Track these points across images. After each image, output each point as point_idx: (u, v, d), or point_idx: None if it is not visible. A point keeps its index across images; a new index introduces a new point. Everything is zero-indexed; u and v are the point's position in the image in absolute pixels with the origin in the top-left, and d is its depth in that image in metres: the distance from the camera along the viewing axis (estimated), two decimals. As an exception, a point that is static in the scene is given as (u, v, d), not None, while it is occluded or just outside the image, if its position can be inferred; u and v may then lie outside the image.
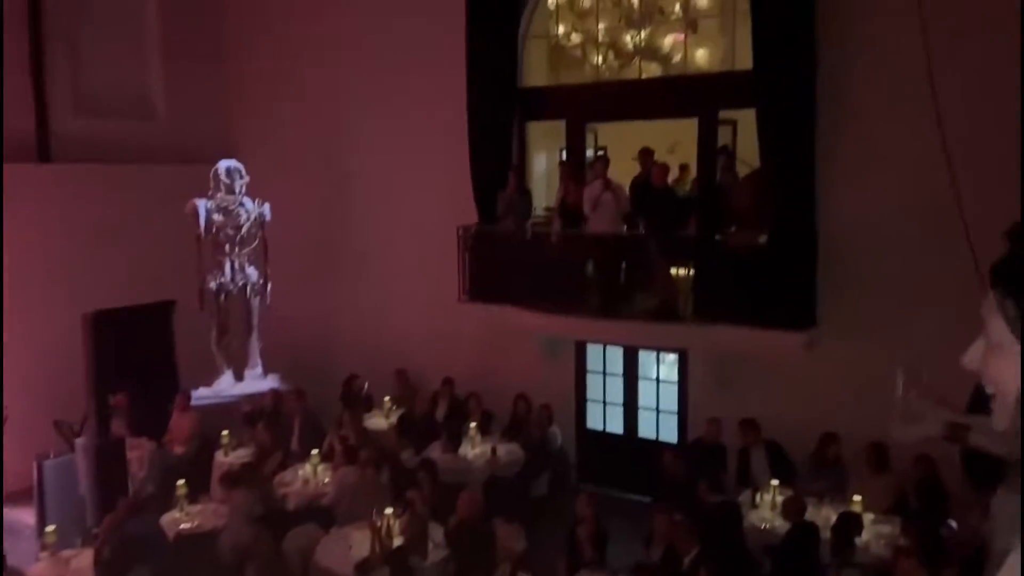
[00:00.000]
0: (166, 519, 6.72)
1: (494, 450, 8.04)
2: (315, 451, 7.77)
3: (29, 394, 8.66)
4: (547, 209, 9.48)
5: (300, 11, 10.69)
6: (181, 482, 7.11)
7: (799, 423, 7.25)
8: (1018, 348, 1.06)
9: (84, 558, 6.15)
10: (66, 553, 6.24)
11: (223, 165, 9.68)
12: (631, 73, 9.30)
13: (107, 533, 5.87)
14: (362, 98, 10.38)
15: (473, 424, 8.35)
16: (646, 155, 8.33)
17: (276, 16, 10.90)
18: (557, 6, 9.55)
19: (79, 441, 7.60)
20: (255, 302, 9.90)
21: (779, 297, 7.22)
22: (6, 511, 8.02)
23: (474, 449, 8.12)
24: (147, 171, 10.15)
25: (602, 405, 9.24)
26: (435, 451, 7.95)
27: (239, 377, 9.77)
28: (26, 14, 9.27)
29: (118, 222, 9.79)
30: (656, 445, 8.63)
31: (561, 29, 9.72)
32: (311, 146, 10.85)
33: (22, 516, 8.02)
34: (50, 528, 6.39)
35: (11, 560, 6.06)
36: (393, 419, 8.93)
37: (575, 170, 8.97)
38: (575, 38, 9.77)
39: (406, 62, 9.86)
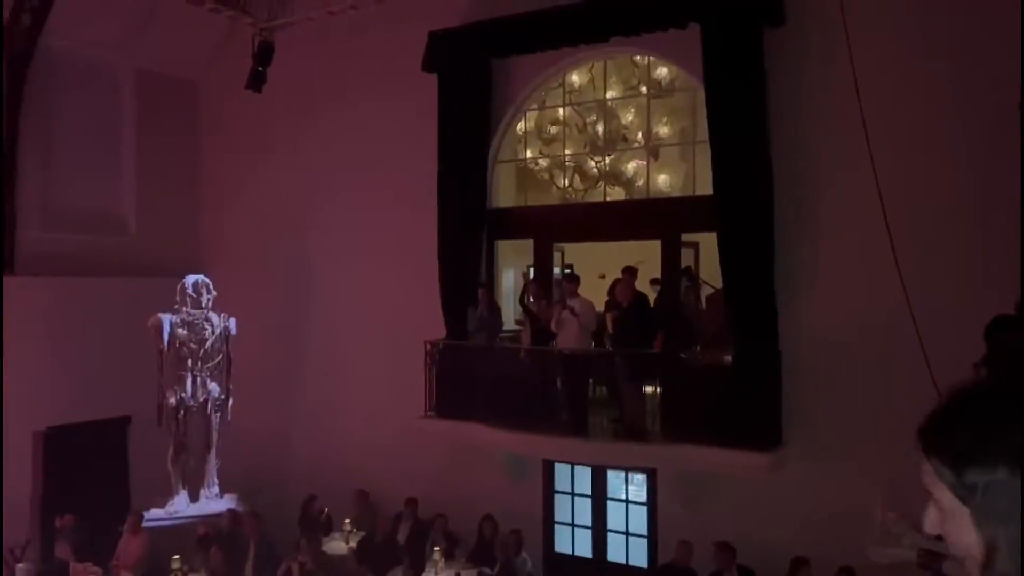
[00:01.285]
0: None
1: (460, 575, 7.73)
2: (270, 577, 7.41)
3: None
4: (518, 322, 9.53)
5: (271, 135, 11.00)
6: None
7: (768, 545, 7.12)
8: (967, 511, 1.03)
9: None
10: None
11: (190, 279, 9.66)
12: (596, 196, 9.63)
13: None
14: (329, 216, 10.57)
15: (436, 548, 8.05)
16: (628, 272, 8.38)
17: (247, 139, 11.21)
18: (525, 132, 9.97)
19: (20, 567, 7.16)
20: (215, 418, 9.66)
21: (745, 417, 7.24)
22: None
23: (438, 575, 7.80)
24: (111, 284, 10.11)
25: (570, 528, 9.01)
26: (396, 576, 7.63)
27: (195, 497, 9.39)
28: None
29: (79, 335, 9.64)
30: (626, 569, 8.38)
31: (529, 153, 10.11)
32: (277, 262, 10.93)
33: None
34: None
35: None
36: (353, 543, 8.59)
37: (542, 288, 9.11)
38: (542, 162, 10.16)
39: (375, 181, 10.13)
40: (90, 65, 10.31)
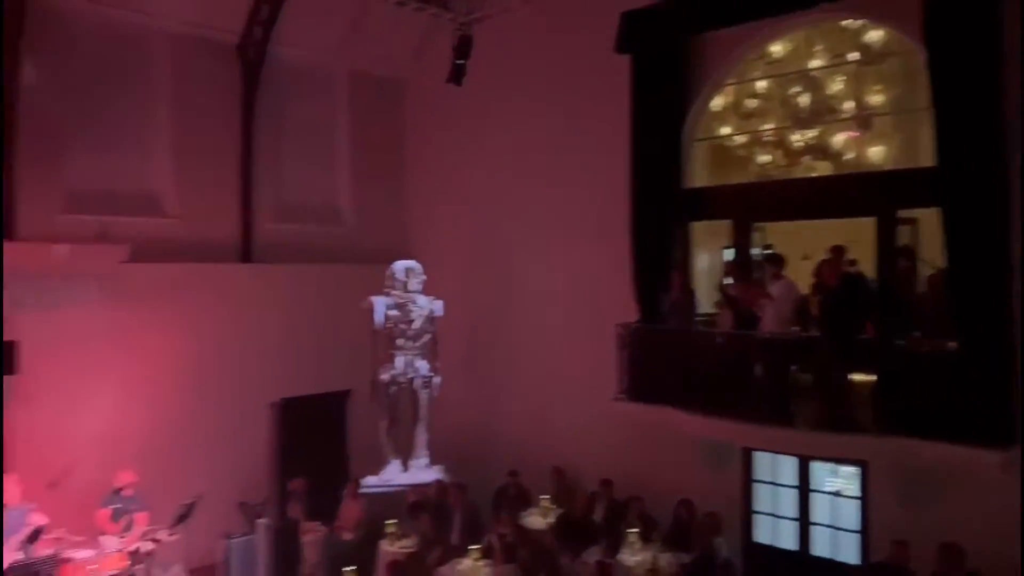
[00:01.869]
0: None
1: (655, 558, 7.73)
2: (474, 546, 7.81)
3: (218, 475, 9.39)
4: (717, 305, 9.30)
5: (470, 126, 11.46)
6: (350, 568, 7.35)
7: (998, 552, 6.48)
8: None
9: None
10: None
11: (400, 265, 10.33)
12: (800, 172, 9.13)
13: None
14: (525, 202, 10.86)
15: (633, 530, 8.09)
16: (835, 252, 7.97)
17: (449, 131, 11.77)
18: (722, 109, 9.64)
19: (260, 522, 8.08)
20: (423, 395, 10.29)
21: (973, 409, 6.61)
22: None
23: (635, 556, 7.85)
24: (332, 270, 11.05)
25: (771, 518, 8.70)
26: (593, 555, 7.76)
27: (405, 467, 10.09)
28: (239, 136, 10.53)
29: (305, 316, 10.65)
30: (833, 565, 7.97)
31: (726, 130, 9.77)
32: (479, 247, 11.39)
33: (209, 590, 8.59)
34: (232, 604, 6.79)
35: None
36: (550, 518, 8.85)
37: (741, 270, 8.81)
38: (740, 139, 9.79)
39: (569, 164, 10.28)
40: (311, 71, 11.29)
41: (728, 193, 9.41)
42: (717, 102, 9.60)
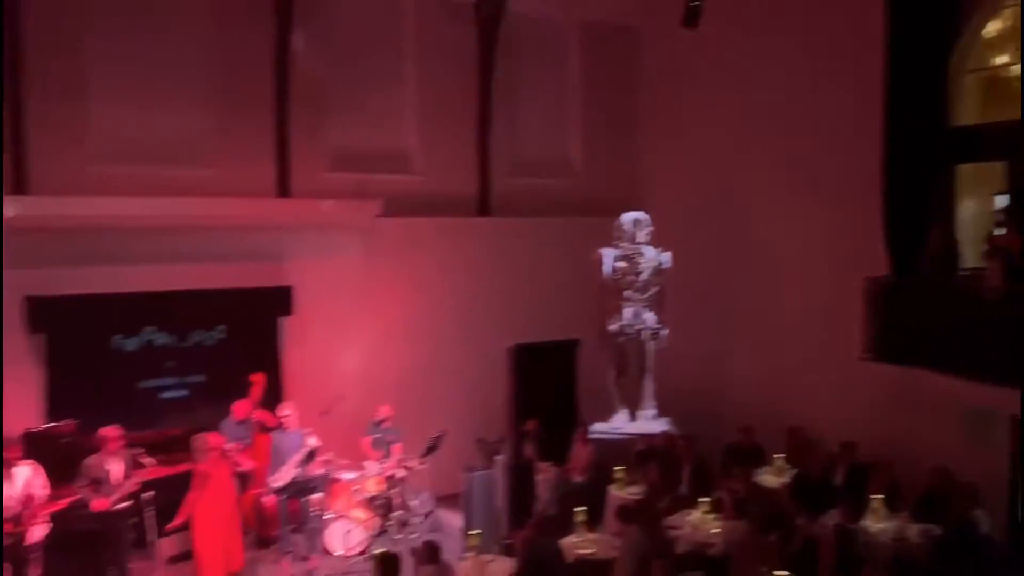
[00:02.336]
0: (565, 542, 7.25)
1: (903, 528, 7.23)
2: (703, 499, 7.78)
3: (460, 414, 10.11)
4: (984, 256, 8.34)
5: (703, 75, 11.08)
6: (581, 509, 7.64)
7: None
8: None
9: (499, 564, 6.95)
10: (486, 557, 7.10)
11: (628, 217, 10.31)
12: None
13: (521, 548, 6.54)
14: (761, 148, 10.34)
15: (877, 496, 7.61)
16: None
17: (683, 78, 11.44)
18: (998, 35, 8.49)
19: (498, 459, 8.62)
20: (651, 346, 10.30)
21: None
22: (442, 512, 9.45)
23: (878, 524, 7.39)
24: (563, 223, 11.29)
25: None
26: (832, 519, 7.41)
27: (633, 416, 10.22)
28: (477, 93, 10.97)
29: (538, 267, 11.04)
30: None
31: (1002, 59, 8.61)
32: (711, 197, 11.05)
33: (452, 518, 9.36)
34: (474, 532, 7.33)
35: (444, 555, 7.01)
36: (785, 478, 8.56)
37: (1017, 218, 7.80)
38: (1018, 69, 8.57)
39: (810, 106, 9.62)
40: (543, 23, 11.45)
41: (1003, 131, 8.31)
42: (992, 27, 8.46)
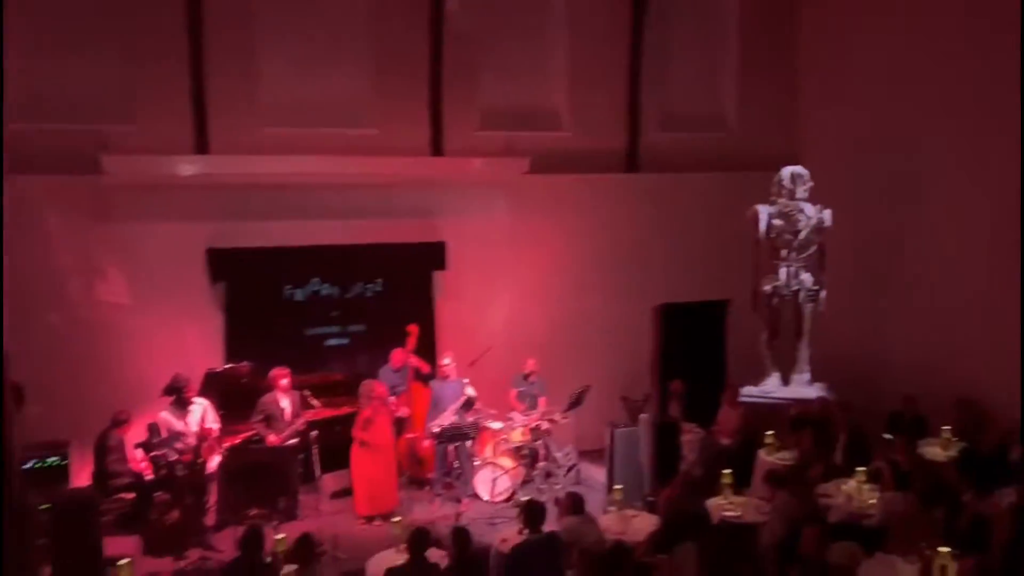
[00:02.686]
0: (711, 503, 7.18)
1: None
2: (860, 468, 7.45)
3: (605, 370, 10.16)
4: None
5: (868, 22, 10.30)
6: (727, 471, 7.53)
7: None
8: None
9: (643, 520, 7.00)
10: (629, 512, 7.17)
11: (787, 171, 9.85)
12: None
13: (665, 506, 6.55)
14: (924, 100, 9.56)
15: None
16: None
17: (846, 28, 10.71)
18: None
19: (642, 416, 8.62)
20: (807, 308, 9.87)
21: None
22: (586, 466, 9.60)
23: (1060, 505, 6.80)
24: (715, 179, 10.94)
25: None
26: (1006, 497, 6.89)
27: (785, 381, 9.89)
28: (627, 46, 10.74)
29: (688, 224, 10.79)
30: None
31: None
32: (872, 152, 10.34)
33: (595, 473, 9.50)
34: (617, 487, 7.41)
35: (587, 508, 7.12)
36: (952, 451, 8.04)
37: None
38: None
39: (976, 58, 8.79)
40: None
41: None
42: None
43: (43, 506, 7.01)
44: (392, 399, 9.06)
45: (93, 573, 6.42)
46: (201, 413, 7.75)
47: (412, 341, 9.09)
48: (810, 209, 9.77)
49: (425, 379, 9.20)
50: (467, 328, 9.97)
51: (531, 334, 10.22)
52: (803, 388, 9.70)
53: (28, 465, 7.70)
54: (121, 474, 7.90)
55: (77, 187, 8.75)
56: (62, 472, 8.00)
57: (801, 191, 9.77)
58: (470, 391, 8.67)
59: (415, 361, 9.13)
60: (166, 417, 7.65)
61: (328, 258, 9.62)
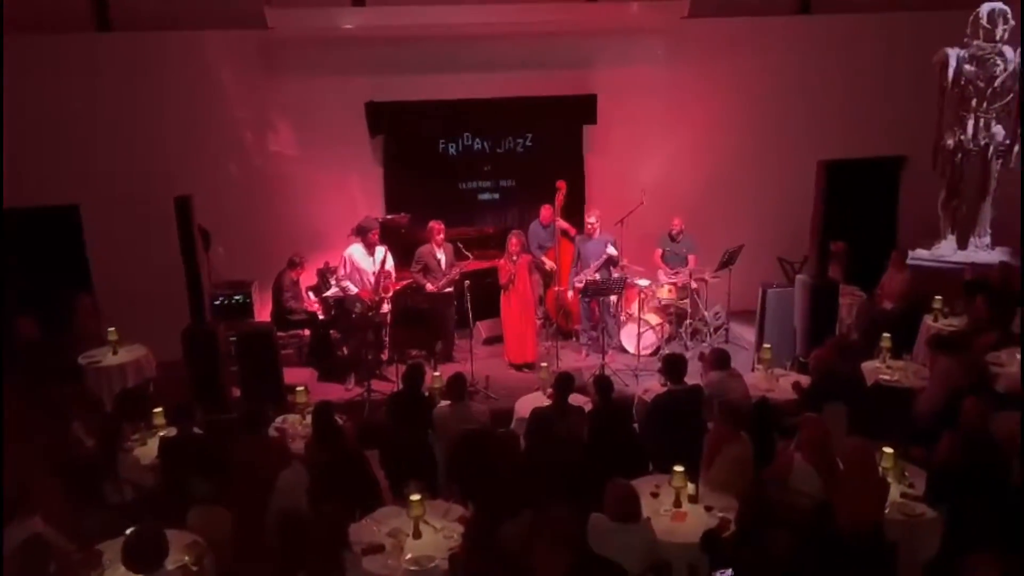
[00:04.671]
0: (867, 366, 6.95)
1: None
2: (1042, 338, 6.92)
3: (760, 229, 9.79)
4: None
5: None
6: (886, 335, 7.22)
7: None
8: None
9: (788, 379, 6.91)
10: (777, 371, 7.09)
11: (985, 8, 8.71)
12: None
13: (815, 365, 6.41)
14: None
15: None
16: None
17: None
18: None
19: (799, 277, 8.31)
20: (995, 165, 8.95)
21: None
22: (736, 326, 9.49)
23: None
24: (899, 18, 9.82)
25: None
26: None
27: (962, 244, 9.15)
28: None
29: (865, 71, 9.86)
30: None
31: None
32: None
33: (745, 332, 9.38)
34: (767, 347, 7.31)
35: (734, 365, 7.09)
36: None
37: None
38: None
39: None
40: None
41: None
42: None
43: (231, 337, 7.88)
44: (540, 254, 9.23)
45: (275, 396, 7.20)
46: (383, 255, 8.22)
47: (560, 197, 9.09)
48: (1010, 52, 8.66)
49: (574, 239, 9.29)
50: (616, 184, 9.80)
51: (684, 192, 9.93)
52: (982, 252, 8.98)
53: (217, 301, 8.59)
54: (295, 311, 8.66)
55: (245, 41, 9.14)
56: (246, 308, 8.87)
57: (1001, 31, 8.63)
58: (612, 250, 8.64)
59: (562, 224, 9.18)
60: (353, 252, 8.20)
61: (479, 112, 9.63)
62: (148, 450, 5.86)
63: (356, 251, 8.23)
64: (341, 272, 8.23)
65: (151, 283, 8.52)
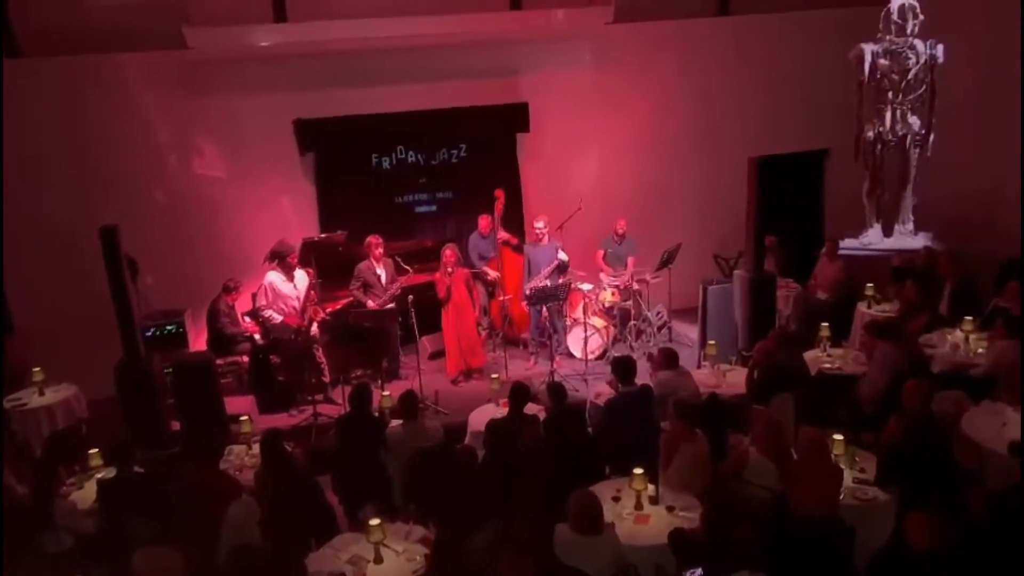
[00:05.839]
0: (808, 356, 7.11)
1: None
2: (968, 318, 7.19)
3: (695, 228, 9.95)
4: None
5: None
6: (824, 324, 7.40)
7: None
8: None
9: (736, 374, 7.02)
10: (723, 367, 7.19)
11: (896, 4, 9.05)
12: None
13: (759, 358, 6.52)
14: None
15: None
16: None
17: None
18: None
19: (737, 272, 8.46)
20: (914, 154, 9.30)
21: None
22: (678, 324, 9.61)
23: None
24: (815, 17, 10.14)
25: None
26: None
27: (887, 232, 9.48)
28: None
29: (784, 69, 10.14)
30: None
31: None
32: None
33: (686, 330, 9.51)
34: (711, 343, 7.41)
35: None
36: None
37: None
38: None
39: None
40: None
41: None
42: None
43: (167, 369, 7.57)
44: (481, 264, 9.19)
45: (217, 427, 6.94)
46: (306, 280, 8.03)
47: (499, 206, 9.07)
48: (921, 46, 9.02)
49: (515, 248, 9.27)
50: (554, 190, 9.84)
51: (619, 194, 10.04)
52: (907, 238, 9.31)
53: (149, 333, 8.25)
54: (234, 337, 8.38)
55: (164, 62, 8.84)
56: (180, 338, 8.55)
57: (911, 25, 8.99)
58: (562, 255, 8.67)
59: (503, 235, 9.16)
60: (273, 279, 7.96)
61: (411, 124, 9.51)
62: (86, 494, 5.57)
63: (275, 278, 7.93)
64: (263, 301, 7.96)
65: (77, 318, 8.14)
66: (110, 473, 5.53)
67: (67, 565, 4.65)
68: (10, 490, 5.43)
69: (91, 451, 5.78)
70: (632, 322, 9.28)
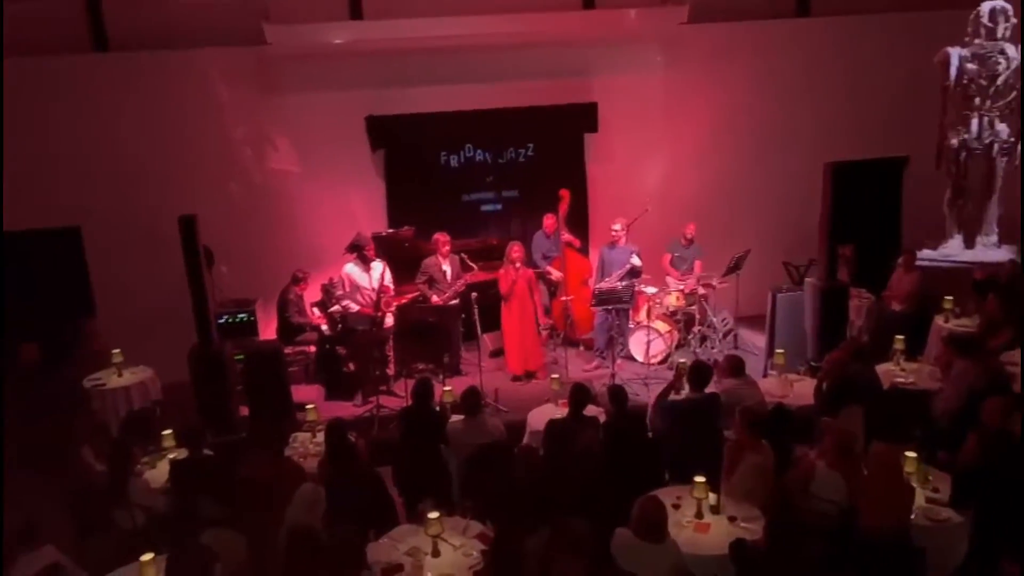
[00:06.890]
0: (881, 369, 6.88)
1: None
2: (1054, 336, 6.86)
3: (764, 234, 9.74)
4: None
5: None
6: (899, 337, 7.16)
7: None
8: None
9: (805, 384, 6.84)
10: (791, 376, 7.02)
11: (987, 7, 8.71)
12: None
13: (830, 368, 6.34)
14: None
15: None
16: None
17: None
18: None
19: (808, 280, 8.25)
20: (1000, 163, 8.92)
21: None
22: (744, 331, 9.42)
23: None
24: (899, 19, 9.80)
25: None
26: None
27: (969, 243, 9.12)
28: None
29: (866, 73, 9.83)
30: None
31: None
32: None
33: (753, 337, 9.32)
34: (779, 351, 7.23)
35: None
36: None
37: None
38: None
39: None
40: None
41: None
42: None
43: (237, 356, 7.79)
44: (544, 263, 9.17)
45: (283, 415, 7.11)
46: (381, 271, 8.17)
47: (564, 206, 9.04)
48: (1012, 50, 8.65)
49: (579, 250, 9.22)
50: (620, 192, 9.77)
51: (687, 197, 9.90)
52: (990, 251, 8.95)
53: (221, 320, 8.50)
54: (301, 327, 8.57)
55: (244, 58, 9.09)
56: (250, 326, 8.78)
57: (1003, 29, 8.63)
58: (636, 260, 8.59)
59: (566, 236, 9.12)
60: (350, 271, 8.16)
61: (480, 123, 9.58)
62: (158, 473, 5.77)
63: (352, 269, 8.22)
64: (340, 291, 8.19)
65: (155, 304, 8.45)
66: (182, 454, 5.72)
67: (139, 541, 4.81)
68: (88, 467, 5.67)
69: (165, 432, 5.99)
70: (697, 327, 9.14)
